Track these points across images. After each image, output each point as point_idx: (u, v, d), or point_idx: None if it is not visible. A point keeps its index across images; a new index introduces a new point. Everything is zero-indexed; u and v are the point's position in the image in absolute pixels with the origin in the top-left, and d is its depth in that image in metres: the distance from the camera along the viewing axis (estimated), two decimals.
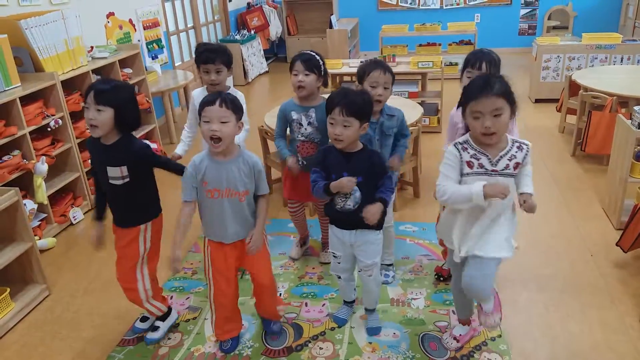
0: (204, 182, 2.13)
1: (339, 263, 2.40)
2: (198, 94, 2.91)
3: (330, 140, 2.20)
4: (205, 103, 2.05)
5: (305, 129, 2.73)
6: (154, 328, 2.54)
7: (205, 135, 2.06)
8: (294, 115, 2.74)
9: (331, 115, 2.09)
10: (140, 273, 2.37)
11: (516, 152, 1.92)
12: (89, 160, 2.34)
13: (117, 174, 2.15)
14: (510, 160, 1.92)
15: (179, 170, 2.22)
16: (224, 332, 2.43)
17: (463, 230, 2.05)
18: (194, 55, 2.87)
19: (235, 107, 2.08)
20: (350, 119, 2.06)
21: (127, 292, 2.42)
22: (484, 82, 1.86)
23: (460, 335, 2.39)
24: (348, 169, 2.13)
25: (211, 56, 2.73)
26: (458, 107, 1.98)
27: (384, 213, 2.19)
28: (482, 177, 1.93)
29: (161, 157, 2.30)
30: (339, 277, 2.49)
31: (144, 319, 2.62)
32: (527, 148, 1.95)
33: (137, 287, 2.38)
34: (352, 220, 2.21)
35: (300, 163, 2.82)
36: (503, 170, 1.92)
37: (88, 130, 2.15)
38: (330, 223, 2.33)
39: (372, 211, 2.08)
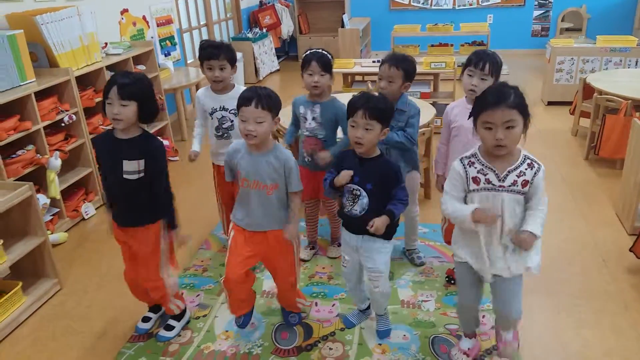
0: (237, 170, 2.21)
1: (345, 267, 2.38)
2: (202, 94, 2.91)
3: (351, 144, 2.17)
4: (242, 102, 2.08)
5: (310, 123, 2.76)
6: (168, 327, 2.54)
7: (241, 133, 2.10)
8: (301, 110, 2.79)
9: (353, 118, 2.08)
10: (165, 271, 2.39)
11: (526, 169, 1.86)
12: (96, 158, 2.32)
13: (134, 168, 2.15)
14: (518, 176, 1.86)
15: (166, 199, 2.25)
16: (238, 309, 2.44)
17: (478, 252, 2.00)
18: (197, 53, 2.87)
19: (272, 104, 2.09)
20: (372, 122, 2.05)
21: (154, 291, 2.42)
22: (498, 93, 1.81)
23: (469, 349, 2.34)
24: (360, 173, 2.13)
25: (215, 52, 2.74)
26: (470, 117, 1.92)
27: (393, 225, 2.18)
28: (489, 193, 1.89)
29: (164, 171, 2.26)
30: (347, 282, 2.49)
31: (145, 319, 2.60)
32: (538, 168, 1.86)
33: (164, 285, 2.40)
34: (359, 226, 2.19)
35: (306, 159, 2.83)
36: (510, 186, 1.86)
37: (111, 124, 2.15)
38: (342, 225, 2.33)
39: (376, 224, 2.06)
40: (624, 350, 2.37)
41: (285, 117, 3.35)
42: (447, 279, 2.88)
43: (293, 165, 2.19)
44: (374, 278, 2.29)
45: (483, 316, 2.55)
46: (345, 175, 2.12)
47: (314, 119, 2.75)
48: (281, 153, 2.18)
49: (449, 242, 2.80)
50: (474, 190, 1.92)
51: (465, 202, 1.97)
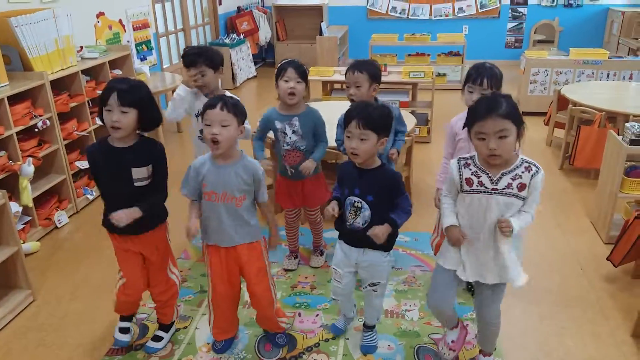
0: (203, 184, 2.13)
1: (339, 283, 2.33)
2: (189, 92, 2.83)
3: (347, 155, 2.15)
4: (207, 106, 2.06)
5: (290, 137, 2.74)
6: (157, 338, 2.48)
7: (206, 138, 2.06)
8: (278, 125, 2.74)
9: (348, 128, 2.05)
10: (171, 271, 2.40)
11: (523, 172, 1.87)
12: (89, 169, 2.24)
13: (143, 174, 2.11)
14: (513, 179, 1.87)
15: (154, 204, 2.20)
16: (222, 332, 2.40)
17: (467, 255, 2.03)
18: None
19: (237, 111, 2.07)
20: (367, 132, 2.01)
21: (162, 294, 2.40)
22: (490, 103, 1.82)
23: (453, 341, 2.33)
24: (360, 185, 2.10)
25: (194, 59, 2.72)
26: (464, 127, 1.94)
27: (394, 235, 2.16)
28: (481, 196, 1.91)
29: (164, 177, 2.20)
30: (336, 300, 2.45)
31: (124, 331, 2.50)
32: (537, 171, 1.87)
33: (176, 283, 2.41)
34: (361, 239, 2.17)
35: (289, 172, 2.82)
36: (504, 189, 1.88)
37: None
38: (339, 238, 2.29)
39: (377, 233, 2.03)
40: (604, 357, 2.40)
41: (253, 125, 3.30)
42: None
43: (261, 176, 2.16)
44: (374, 286, 2.29)
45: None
46: (330, 210, 2.11)
47: (294, 132, 2.73)
48: (249, 162, 2.15)
49: None
50: (466, 191, 1.94)
51: (457, 205, 2.01)
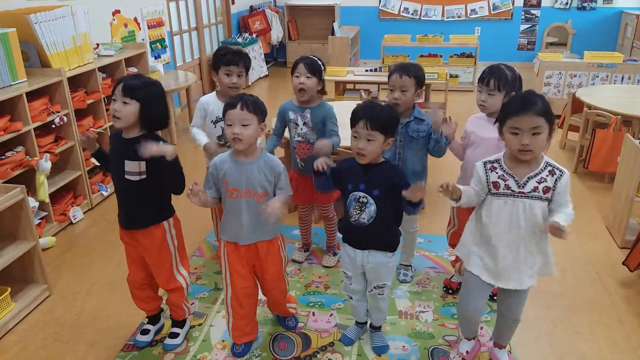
0: (225, 181, 2.15)
1: (350, 284, 2.35)
2: (208, 101, 2.83)
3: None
4: (228, 106, 2.08)
5: (301, 129, 2.76)
6: (173, 335, 2.50)
7: (227, 138, 2.09)
8: (291, 115, 2.78)
9: (355, 128, 2.05)
10: (178, 272, 2.39)
11: (547, 175, 1.89)
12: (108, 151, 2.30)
13: (134, 168, 2.12)
14: (539, 182, 1.89)
15: (179, 186, 2.20)
16: (242, 334, 2.40)
17: (489, 259, 2.04)
18: (210, 58, 2.85)
19: (257, 109, 2.09)
20: (374, 133, 2.02)
21: (172, 293, 2.41)
22: (525, 99, 1.85)
23: (467, 352, 2.37)
24: (365, 180, 2.10)
25: (235, 58, 2.73)
26: (495, 122, 1.97)
27: (397, 235, 2.21)
28: (508, 199, 1.92)
29: (176, 165, 2.17)
30: (350, 298, 2.44)
31: (144, 332, 2.53)
32: (561, 174, 1.89)
33: (182, 285, 2.40)
34: (365, 240, 2.18)
35: (299, 165, 2.83)
36: (531, 192, 1.90)
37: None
38: (343, 241, 2.29)
39: (415, 191, 1.95)
40: None
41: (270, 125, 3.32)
42: (444, 289, 2.88)
43: (282, 170, 2.17)
44: (380, 289, 2.29)
45: (481, 327, 2.55)
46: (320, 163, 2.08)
47: (305, 124, 2.75)
48: (269, 159, 2.16)
49: (453, 246, 2.82)
50: (494, 194, 1.95)
51: (483, 206, 2.02)
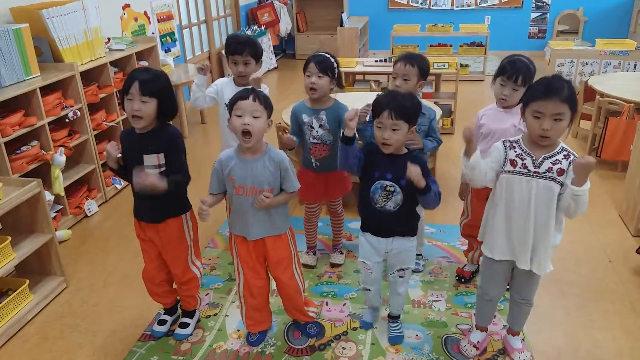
0: (230, 177, 2.14)
1: (371, 273, 2.36)
2: (223, 83, 2.90)
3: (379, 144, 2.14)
4: (239, 98, 2.07)
5: (317, 131, 2.73)
6: (183, 325, 2.53)
7: (236, 129, 2.06)
8: (305, 119, 2.73)
9: (379, 119, 2.05)
10: (193, 263, 2.42)
11: (562, 158, 1.91)
12: (120, 152, 2.27)
13: (154, 162, 2.14)
14: (554, 164, 1.91)
15: (178, 182, 2.20)
16: (256, 323, 2.43)
17: (507, 239, 2.07)
18: (224, 46, 2.88)
19: (267, 104, 2.10)
20: (399, 122, 2.02)
21: (187, 283, 2.43)
22: (552, 84, 1.84)
23: (478, 342, 2.38)
24: (392, 170, 2.11)
25: (239, 47, 2.73)
26: (519, 102, 1.98)
27: (416, 219, 2.23)
28: (523, 178, 1.95)
29: (180, 159, 2.22)
30: (368, 290, 2.46)
31: (161, 322, 2.57)
32: (574, 158, 1.90)
33: (197, 276, 2.44)
34: (390, 227, 2.20)
35: (314, 164, 2.82)
36: (545, 172, 1.92)
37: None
38: (363, 231, 2.30)
39: (414, 169, 1.98)
40: (634, 350, 2.39)
41: (288, 115, 3.32)
42: (457, 278, 2.90)
43: (288, 165, 2.17)
44: (403, 274, 2.32)
45: (495, 316, 2.56)
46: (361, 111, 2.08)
47: (320, 126, 2.72)
48: (275, 154, 2.15)
49: (465, 236, 2.83)
50: (509, 171, 1.97)
51: (498, 186, 2.03)
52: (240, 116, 2.04)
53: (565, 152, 1.92)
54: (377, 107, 2.07)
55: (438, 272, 2.98)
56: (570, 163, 1.89)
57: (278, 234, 2.25)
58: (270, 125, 2.13)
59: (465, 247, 3.07)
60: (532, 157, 1.93)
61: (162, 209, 2.25)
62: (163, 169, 2.16)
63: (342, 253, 3.15)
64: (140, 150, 2.15)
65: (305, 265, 3.03)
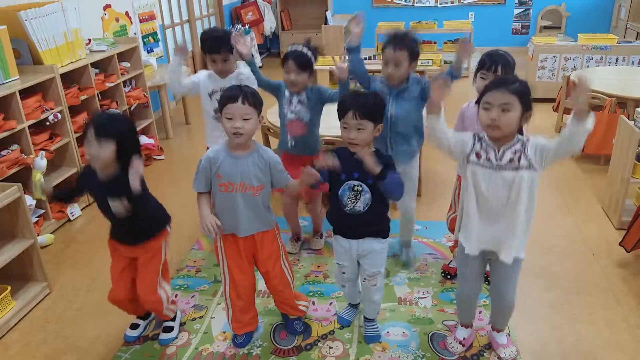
0: (217, 175, 2.13)
1: (343, 273, 2.37)
2: (204, 75, 2.90)
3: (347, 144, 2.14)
4: (228, 99, 2.04)
5: (295, 106, 2.75)
6: (167, 329, 2.51)
7: (227, 132, 2.06)
8: (286, 93, 2.77)
9: (344, 119, 2.06)
10: (162, 288, 2.36)
11: (519, 148, 1.93)
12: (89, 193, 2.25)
13: (120, 207, 2.02)
14: (514, 154, 1.93)
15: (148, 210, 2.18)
16: (243, 325, 2.42)
17: (480, 227, 2.07)
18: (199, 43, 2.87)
19: (257, 102, 2.08)
20: (363, 122, 2.04)
21: (150, 304, 2.36)
22: (503, 79, 1.92)
23: (464, 338, 2.39)
24: (359, 169, 2.10)
25: (215, 46, 2.74)
26: (476, 102, 2.01)
27: (387, 222, 2.24)
28: (487, 171, 1.97)
29: (147, 198, 2.18)
30: (343, 286, 2.48)
31: (133, 326, 2.54)
32: (527, 138, 1.94)
33: (162, 297, 2.36)
34: (360, 228, 2.20)
35: (289, 144, 2.82)
36: (507, 164, 1.94)
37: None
38: (334, 233, 2.30)
39: (364, 152, 2.03)
40: (617, 343, 2.42)
41: (274, 115, 3.32)
42: (442, 274, 2.90)
43: (278, 162, 2.17)
44: (373, 278, 2.31)
45: (480, 312, 2.58)
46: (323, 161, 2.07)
47: (299, 102, 2.74)
48: (264, 152, 2.16)
49: (452, 231, 2.85)
50: (474, 162, 2.00)
51: (469, 178, 2.04)
52: (231, 119, 2.03)
53: (520, 141, 1.94)
54: (341, 109, 2.08)
55: (424, 268, 2.99)
56: (523, 145, 1.91)
57: (267, 229, 2.26)
58: (261, 122, 2.13)
59: (451, 244, 3.09)
60: (494, 149, 1.96)
61: (141, 232, 2.22)
62: (131, 208, 2.04)
63: (321, 237, 3.18)
64: (105, 195, 2.06)
65: (289, 253, 3.09)
